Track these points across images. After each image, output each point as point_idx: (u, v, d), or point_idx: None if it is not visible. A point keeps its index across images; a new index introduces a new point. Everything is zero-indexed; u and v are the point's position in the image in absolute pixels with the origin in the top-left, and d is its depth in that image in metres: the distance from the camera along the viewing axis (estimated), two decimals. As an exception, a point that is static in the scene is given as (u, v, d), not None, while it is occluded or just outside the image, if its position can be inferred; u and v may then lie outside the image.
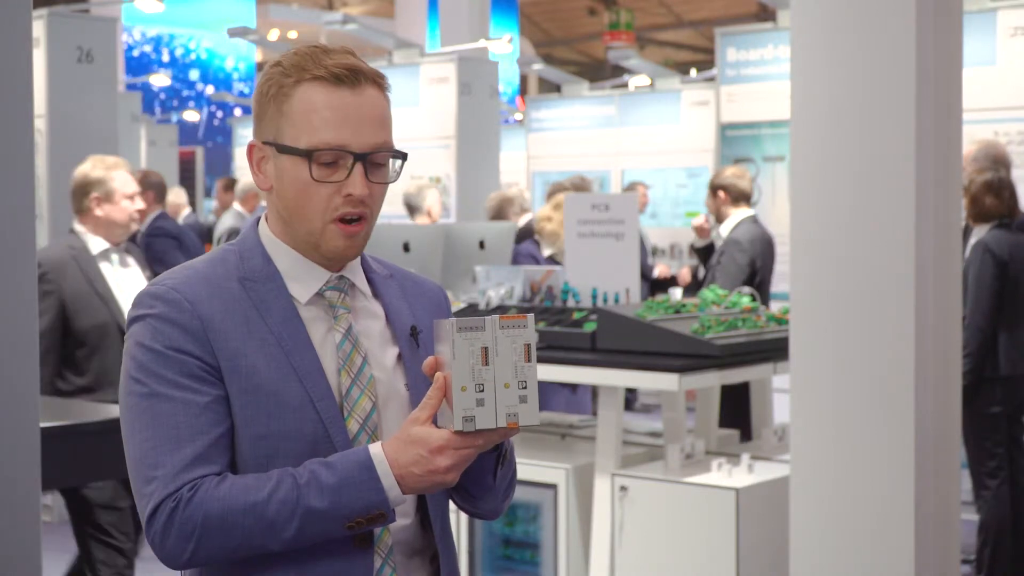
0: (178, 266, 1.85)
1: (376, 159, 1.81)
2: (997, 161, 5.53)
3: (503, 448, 1.81)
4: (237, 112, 19.22)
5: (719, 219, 6.53)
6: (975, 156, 5.56)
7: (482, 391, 1.65)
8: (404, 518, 1.83)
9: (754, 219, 6.50)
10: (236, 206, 9.56)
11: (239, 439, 1.75)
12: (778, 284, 7.30)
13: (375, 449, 1.70)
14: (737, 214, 6.44)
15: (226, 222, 9.31)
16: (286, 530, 1.68)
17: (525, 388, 1.66)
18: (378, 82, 1.83)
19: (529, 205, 9.72)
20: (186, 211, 11.95)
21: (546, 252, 6.37)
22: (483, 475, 1.83)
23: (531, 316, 1.69)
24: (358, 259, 1.91)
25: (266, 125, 1.84)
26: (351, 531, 1.70)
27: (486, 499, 1.88)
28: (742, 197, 6.44)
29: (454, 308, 4.43)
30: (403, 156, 1.85)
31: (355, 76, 1.80)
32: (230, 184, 11.21)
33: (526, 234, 8.18)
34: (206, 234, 11.25)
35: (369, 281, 1.91)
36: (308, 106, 1.79)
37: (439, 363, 1.71)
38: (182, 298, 1.76)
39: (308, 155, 1.78)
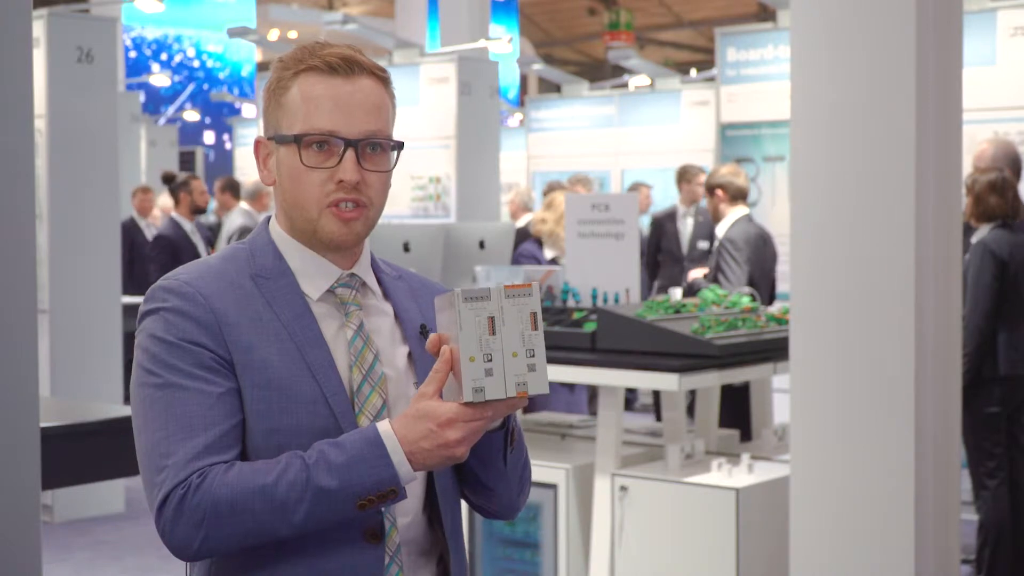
0: (191, 262, 1.86)
1: (370, 146, 1.82)
2: (1015, 162, 5.54)
3: (510, 424, 1.80)
4: (242, 111, 19.22)
5: (716, 219, 6.53)
6: (992, 154, 5.56)
7: (490, 361, 1.63)
8: (410, 516, 1.83)
9: (749, 218, 6.51)
10: (244, 205, 9.56)
11: (250, 433, 1.75)
12: (778, 284, 7.30)
13: (383, 426, 1.69)
14: (734, 213, 6.44)
15: (236, 221, 9.30)
16: (296, 512, 1.67)
17: (533, 356, 1.64)
18: (377, 74, 1.84)
19: (531, 204, 9.72)
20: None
21: (549, 254, 6.37)
22: (493, 458, 1.82)
23: (536, 284, 1.67)
24: (368, 258, 1.91)
25: (268, 120, 1.86)
26: (362, 509, 1.69)
27: (500, 487, 1.86)
28: (739, 195, 6.44)
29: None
30: (399, 145, 1.85)
31: (349, 65, 1.81)
32: (227, 184, 11.22)
33: (527, 234, 8.19)
34: (207, 234, 11.25)
35: (379, 282, 1.92)
36: (303, 96, 1.81)
37: (443, 339, 1.69)
38: (195, 292, 1.77)
39: (297, 140, 1.79)
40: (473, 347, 1.63)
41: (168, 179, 8.85)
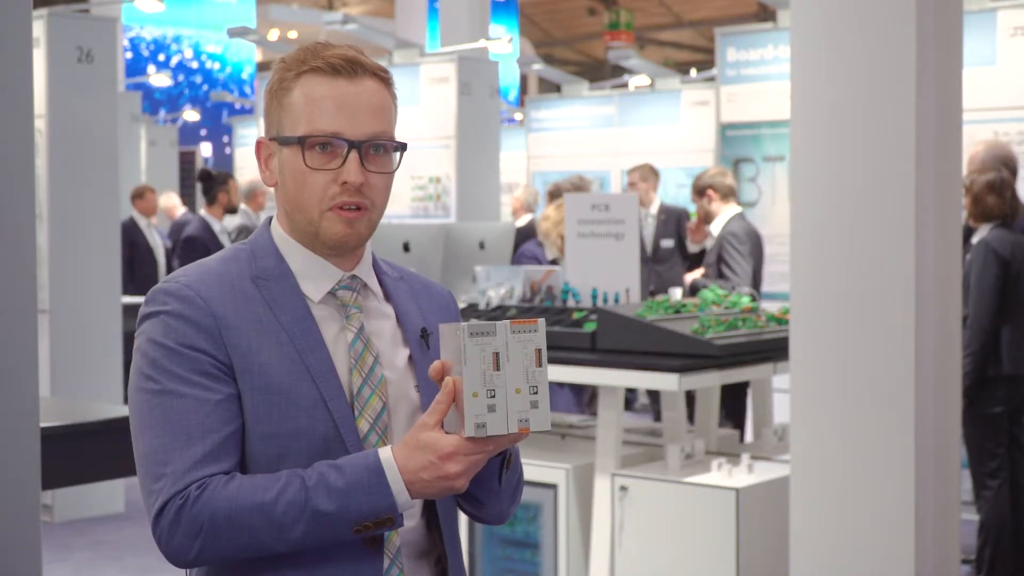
0: (192, 264, 1.85)
1: (374, 148, 1.81)
2: (1005, 162, 5.54)
3: (508, 451, 1.81)
4: (242, 112, 19.22)
5: (708, 219, 6.58)
6: (983, 158, 5.57)
7: (493, 397, 1.63)
8: (410, 519, 1.83)
9: (742, 215, 6.59)
10: (241, 204, 9.54)
11: (250, 437, 1.75)
12: (778, 284, 7.29)
13: (385, 454, 1.69)
14: (727, 211, 6.52)
15: (234, 220, 9.28)
16: (293, 531, 1.68)
17: (536, 393, 1.65)
18: (379, 75, 1.83)
19: (535, 206, 9.71)
20: (180, 212, 11.97)
21: (549, 256, 6.38)
22: (488, 479, 1.82)
23: (542, 321, 1.68)
24: (370, 259, 1.91)
25: (270, 121, 1.85)
26: (358, 534, 1.70)
27: (492, 503, 1.88)
28: (730, 193, 6.54)
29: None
30: (402, 147, 1.85)
31: (353, 67, 1.81)
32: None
33: (528, 234, 8.17)
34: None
35: (380, 283, 1.91)
36: (306, 97, 1.80)
37: (446, 367, 1.69)
38: (196, 295, 1.76)
39: (301, 142, 1.79)
40: (477, 383, 1.63)
41: (205, 177, 8.73)
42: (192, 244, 8.45)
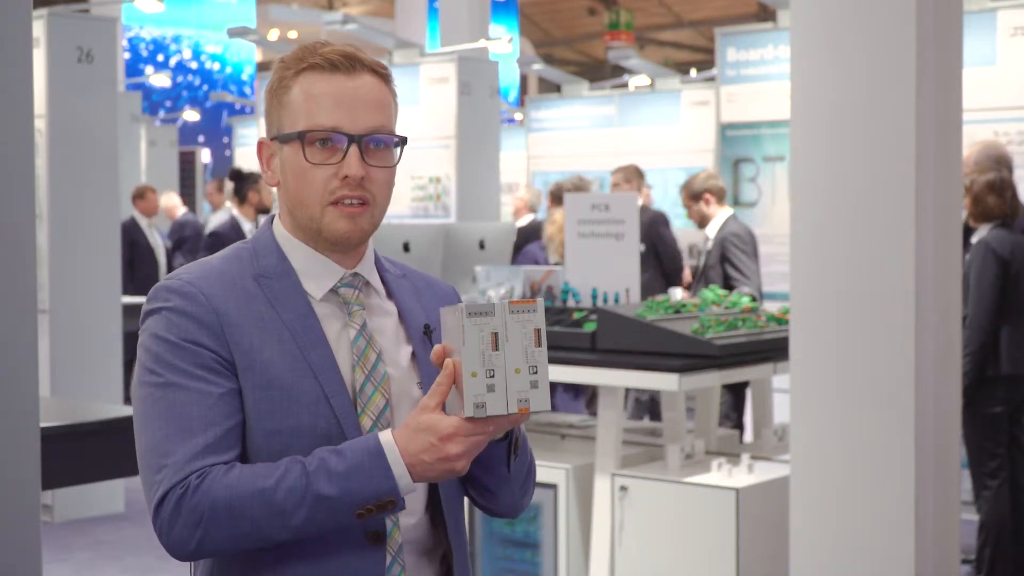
0: (194, 262, 1.86)
1: (374, 142, 1.81)
2: (999, 162, 5.54)
3: (513, 435, 1.81)
4: (242, 112, 19.22)
5: (703, 223, 6.62)
6: (977, 158, 5.57)
7: (492, 377, 1.63)
8: (414, 516, 1.83)
9: (735, 217, 6.64)
10: (228, 204, 9.52)
11: (252, 434, 1.75)
12: (778, 284, 7.30)
13: (385, 437, 1.69)
14: (722, 213, 6.56)
15: (223, 219, 9.27)
16: (294, 517, 1.67)
17: (536, 373, 1.64)
18: (378, 71, 1.84)
19: (538, 207, 9.70)
20: (181, 212, 11.97)
21: (551, 260, 6.39)
22: (497, 465, 1.82)
23: (540, 300, 1.67)
24: (372, 257, 1.91)
25: (271, 120, 1.86)
26: (361, 518, 1.69)
27: (503, 492, 1.87)
28: (724, 196, 6.63)
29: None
30: (402, 141, 1.85)
31: (351, 62, 1.81)
32: (221, 185, 11.18)
33: (529, 234, 8.17)
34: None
35: (383, 281, 1.91)
36: (305, 94, 1.81)
37: (447, 350, 1.69)
38: (198, 292, 1.77)
39: (301, 137, 1.79)
40: (475, 363, 1.62)
41: (235, 176, 8.65)
42: (215, 239, 8.43)
